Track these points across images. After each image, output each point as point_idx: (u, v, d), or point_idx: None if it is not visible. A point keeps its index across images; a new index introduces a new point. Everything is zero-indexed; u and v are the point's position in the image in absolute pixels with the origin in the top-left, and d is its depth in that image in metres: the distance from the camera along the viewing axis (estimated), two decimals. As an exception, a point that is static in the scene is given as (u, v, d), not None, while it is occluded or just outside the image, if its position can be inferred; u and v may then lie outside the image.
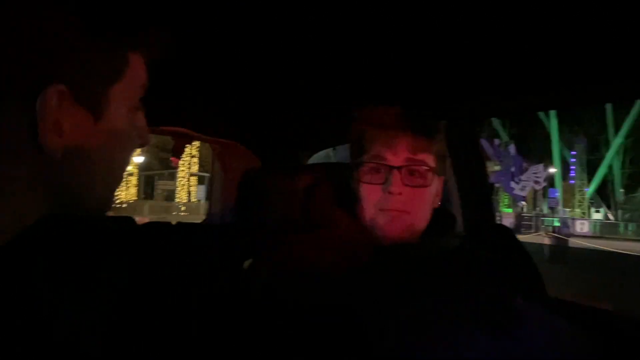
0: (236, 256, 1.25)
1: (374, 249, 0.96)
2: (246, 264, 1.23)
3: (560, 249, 11.04)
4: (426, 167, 0.97)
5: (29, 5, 0.45)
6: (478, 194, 1.64)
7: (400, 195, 0.95)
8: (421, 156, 0.97)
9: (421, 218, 0.99)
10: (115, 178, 0.57)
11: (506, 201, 27.00)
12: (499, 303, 0.93)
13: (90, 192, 0.53)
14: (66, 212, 0.50)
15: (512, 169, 19.46)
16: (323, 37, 1.07)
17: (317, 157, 2.43)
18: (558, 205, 27.21)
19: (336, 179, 1.20)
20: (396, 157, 0.96)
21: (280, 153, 2.18)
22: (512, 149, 20.91)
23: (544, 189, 26.93)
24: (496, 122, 27.56)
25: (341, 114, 1.51)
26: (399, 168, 0.95)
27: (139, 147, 0.61)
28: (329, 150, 2.58)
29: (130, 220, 0.57)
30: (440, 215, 1.06)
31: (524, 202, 26.95)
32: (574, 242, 15.76)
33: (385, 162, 0.97)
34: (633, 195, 31.28)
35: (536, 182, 20.24)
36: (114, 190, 0.57)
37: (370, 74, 1.32)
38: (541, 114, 26.58)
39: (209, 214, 2.30)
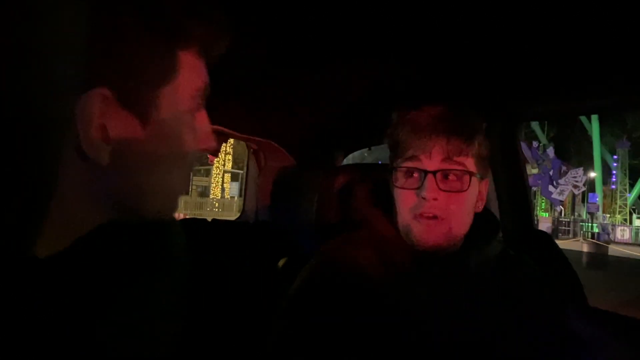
0: (270, 254, 1.30)
1: (412, 255, 0.94)
2: (281, 262, 1.28)
3: (599, 256, 10.76)
4: (464, 171, 0.94)
5: (66, 6, 0.42)
6: (517, 199, 1.61)
7: (435, 201, 0.91)
8: (458, 159, 0.93)
9: (460, 224, 0.95)
10: (175, 184, 0.54)
11: (543, 205, 26.49)
12: (550, 314, 0.93)
13: (147, 199, 0.51)
14: (124, 218, 0.48)
15: (551, 173, 19.08)
16: (363, 36, 1.06)
17: (352, 158, 2.44)
18: (598, 210, 26.50)
19: (371, 180, 1.18)
20: (431, 161, 0.93)
21: (315, 152, 2.18)
22: (550, 151, 20.49)
23: (583, 193, 26.27)
24: (534, 124, 27.01)
25: (377, 114, 1.50)
26: (434, 172, 0.92)
27: (202, 152, 0.58)
28: (364, 151, 2.53)
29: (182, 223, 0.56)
30: (483, 220, 1.02)
31: (562, 206, 26.42)
32: (613, 249, 15.37)
33: (420, 166, 0.94)
34: None
35: (575, 187, 19.78)
36: (175, 197, 0.55)
37: (410, 73, 1.30)
38: (582, 117, 25.95)
39: (243, 211, 2.33)
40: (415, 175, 0.94)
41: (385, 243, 0.99)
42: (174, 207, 0.55)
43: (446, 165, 0.92)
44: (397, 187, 0.97)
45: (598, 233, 23.67)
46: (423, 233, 0.93)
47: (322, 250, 1.03)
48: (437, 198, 0.91)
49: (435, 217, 0.92)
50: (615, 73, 1.10)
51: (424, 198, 0.91)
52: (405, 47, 1.12)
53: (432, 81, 1.35)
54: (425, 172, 0.92)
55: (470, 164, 0.94)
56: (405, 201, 0.95)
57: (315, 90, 1.53)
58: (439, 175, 0.92)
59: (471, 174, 0.94)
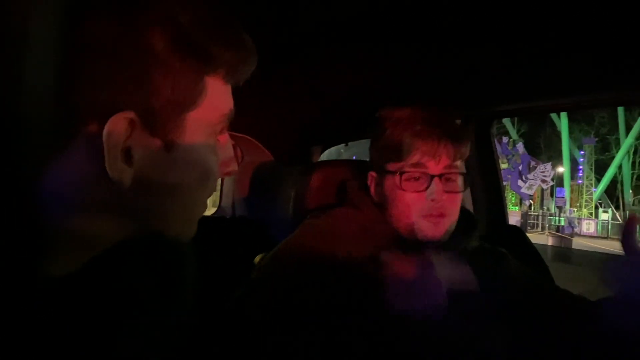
0: (247, 250, 1.29)
1: (398, 239, 1.00)
2: (257, 258, 1.27)
3: (563, 249, 11.03)
4: (460, 173, 1.01)
5: (94, 28, 0.43)
6: (491, 195, 1.66)
7: (441, 202, 0.98)
8: (457, 163, 1.00)
9: (455, 219, 1.02)
10: (195, 208, 0.54)
11: (513, 199, 26.89)
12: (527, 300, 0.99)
13: (167, 222, 0.51)
14: (142, 240, 0.48)
15: (520, 168, 19.41)
16: (346, 31, 1.07)
17: (329, 153, 2.45)
18: (565, 204, 27.06)
19: (350, 176, 1.22)
20: (437, 165, 0.98)
21: (293, 148, 2.21)
22: (520, 147, 20.85)
23: (552, 188, 26.82)
24: (506, 120, 27.40)
25: (355, 110, 1.57)
26: (439, 176, 0.98)
27: (224, 176, 0.58)
28: (341, 147, 2.55)
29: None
30: (461, 216, 1.08)
31: (531, 201, 26.88)
32: (578, 242, 15.74)
33: (426, 171, 0.98)
34: None
35: (543, 181, 20.17)
36: (195, 220, 0.55)
37: (388, 71, 1.34)
38: (552, 114, 26.42)
39: (219, 206, 2.33)
40: (421, 178, 0.99)
41: (370, 223, 1.03)
42: (193, 231, 0.55)
43: (449, 169, 0.99)
44: (402, 189, 1.00)
45: (563, 226, 24.25)
46: (430, 230, 0.98)
47: (306, 223, 1.07)
48: (442, 199, 0.98)
49: (443, 216, 0.99)
50: (583, 72, 1.16)
51: (432, 200, 0.97)
52: (384, 46, 1.14)
53: (410, 80, 1.38)
54: (432, 176, 0.98)
55: (462, 166, 1.02)
56: (412, 203, 0.99)
57: (293, 86, 1.54)
58: (443, 178, 0.99)
59: (464, 175, 1.02)
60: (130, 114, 0.44)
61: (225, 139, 0.56)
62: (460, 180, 1.01)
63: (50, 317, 0.40)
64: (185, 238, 0.54)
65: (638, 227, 0.83)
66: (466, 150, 1.02)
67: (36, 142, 0.42)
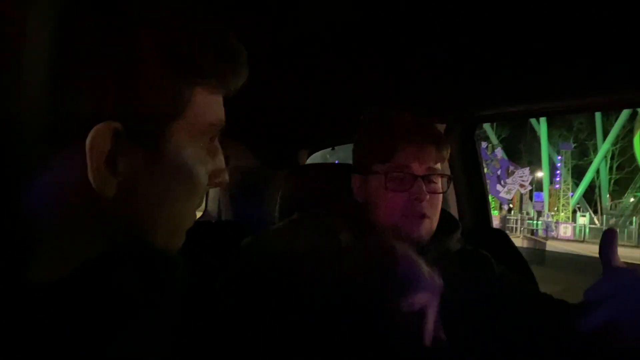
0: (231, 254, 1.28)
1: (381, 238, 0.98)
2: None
3: (537, 251, 11.22)
4: (442, 174, 1.06)
5: (80, 37, 0.42)
6: (476, 199, 1.67)
7: (424, 202, 1.00)
8: (438, 165, 1.04)
9: (436, 221, 1.05)
10: (183, 219, 0.53)
11: (493, 203, 27.14)
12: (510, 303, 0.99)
13: (153, 233, 0.49)
14: (127, 251, 0.47)
15: (499, 172, 19.66)
16: (330, 37, 1.08)
17: (314, 157, 2.50)
18: (543, 208, 27.38)
19: (336, 179, 1.24)
20: (421, 167, 1.02)
21: (279, 151, 2.25)
22: (498, 152, 21.11)
23: (531, 192, 27.04)
24: (486, 125, 27.70)
25: (342, 114, 1.59)
26: (423, 177, 1.02)
27: (214, 187, 0.58)
28: (327, 151, 2.62)
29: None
30: (443, 219, 1.10)
31: (511, 205, 27.17)
32: (553, 245, 16.00)
33: (411, 172, 1.02)
34: (619, 200, 31.11)
35: (522, 186, 20.43)
36: (182, 231, 0.54)
37: (376, 77, 1.35)
38: (532, 119, 26.73)
39: (205, 210, 2.37)
40: (405, 179, 1.02)
41: (354, 222, 1.04)
42: (180, 242, 0.54)
43: (431, 171, 1.04)
44: (387, 190, 1.03)
45: (537, 230, 24.53)
46: (413, 230, 1.01)
47: (296, 215, 1.08)
48: (425, 199, 1.01)
49: (424, 216, 1.02)
50: (563, 78, 1.18)
51: (416, 200, 1.01)
52: (369, 52, 1.15)
53: (395, 86, 1.40)
54: (416, 177, 1.02)
55: (444, 168, 1.07)
56: (396, 203, 1.02)
57: (280, 90, 1.53)
58: (426, 179, 1.03)
59: (445, 176, 1.08)
60: (115, 124, 0.42)
61: (215, 150, 0.55)
62: (442, 182, 1.06)
63: (31, 327, 0.40)
64: (172, 249, 0.53)
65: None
66: (447, 153, 1.07)
67: (19, 149, 0.41)
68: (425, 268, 0.81)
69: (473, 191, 1.67)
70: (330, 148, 2.46)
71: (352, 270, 0.83)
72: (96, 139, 0.42)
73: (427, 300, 0.77)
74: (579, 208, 30.39)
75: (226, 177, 0.57)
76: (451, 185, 1.57)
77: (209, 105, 0.51)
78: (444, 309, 0.81)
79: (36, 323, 0.40)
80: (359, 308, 0.84)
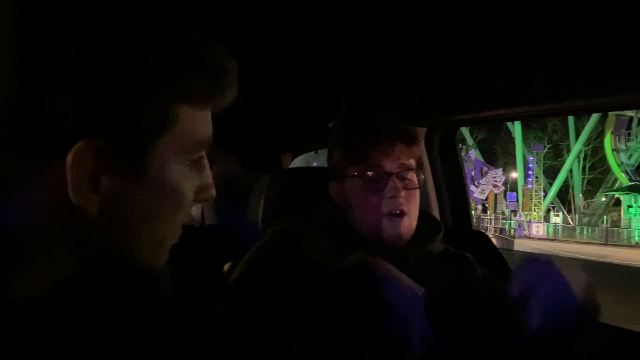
0: (216, 259, 1.32)
1: (365, 245, 1.00)
2: (226, 267, 1.28)
3: (506, 250, 11.39)
4: (415, 170, 1.06)
5: (62, 52, 0.40)
6: (457, 200, 1.67)
7: (400, 199, 1.01)
8: (410, 161, 1.05)
9: (415, 218, 1.05)
10: (168, 236, 0.51)
11: (470, 204, 27.22)
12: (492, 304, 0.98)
13: (136, 250, 0.48)
14: (109, 269, 0.47)
15: (472, 173, 19.88)
16: (311, 42, 1.07)
17: (297, 161, 2.53)
18: (516, 208, 27.68)
19: (319, 184, 1.22)
20: (393, 164, 1.02)
21: (263, 155, 2.26)
22: (472, 153, 21.39)
23: (505, 192, 27.29)
24: (463, 128, 27.98)
25: (325, 117, 1.53)
26: (396, 174, 1.02)
27: (200, 203, 0.57)
28: (309, 155, 2.60)
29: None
30: (424, 220, 1.11)
31: (487, 205, 27.52)
32: (523, 243, 16.28)
33: (383, 170, 1.02)
34: (592, 200, 31.65)
35: (495, 186, 20.69)
36: (166, 248, 0.52)
37: (357, 82, 1.35)
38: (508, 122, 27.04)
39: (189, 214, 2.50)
40: (379, 178, 1.03)
41: (338, 229, 1.06)
42: (164, 259, 0.53)
43: (404, 167, 1.04)
44: (362, 190, 1.04)
45: (504, 228, 24.91)
46: (393, 229, 1.01)
47: (275, 228, 1.08)
48: (401, 195, 1.01)
49: (402, 214, 1.01)
50: (538, 83, 1.19)
51: (391, 197, 1.01)
52: (351, 57, 1.14)
53: (377, 91, 1.42)
54: (389, 174, 1.02)
55: (417, 165, 1.08)
56: (372, 202, 1.02)
57: (262, 93, 1.51)
58: (399, 175, 1.03)
59: (419, 173, 1.08)
60: (98, 142, 0.41)
61: (202, 166, 0.53)
62: (416, 178, 1.06)
63: (7, 344, 0.39)
64: (156, 265, 0.52)
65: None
66: (418, 149, 1.08)
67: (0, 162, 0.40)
68: (406, 283, 0.83)
69: (454, 193, 1.67)
70: (314, 151, 2.43)
71: (332, 296, 0.85)
72: (77, 156, 0.41)
73: (410, 315, 0.79)
74: (553, 207, 30.83)
75: (213, 192, 0.56)
76: (432, 186, 1.63)
77: (196, 122, 0.49)
78: (429, 313, 0.82)
79: (13, 340, 0.40)
80: (342, 330, 0.84)
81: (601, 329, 1.15)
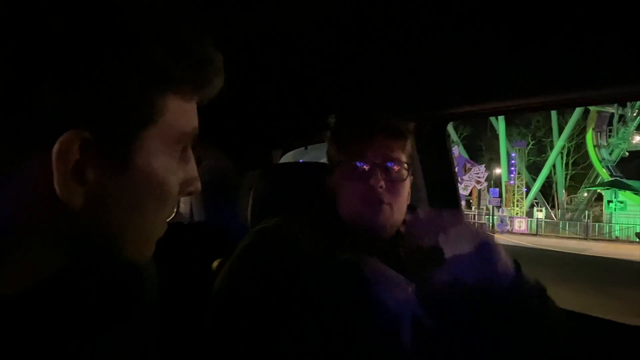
0: (204, 255, 1.32)
1: (352, 237, 1.04)
2: (215, 263, 1.29)
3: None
4: (402, 163, 1.07)
5: (47, 44, 0.40)
6: (446, 195, 1.68)
7: (382, 189, 1.02)
8: (396, 154, 1.06)
9: (399, 210, 1.07)
10: (153, 229, 0.51)
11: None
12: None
13: (122, 244, 0.48)
14: (94, 262, 0.46)
15: (456, 169, 20.00)
16: (301, 38, 1.09)
17: (287, 157, 2.52)
18: (499, 204, 27.83)
19: (308, 179, 1.25)
20: (376, 155, 1.05)
21: (252, 151, 2.24)
22: (455, 150, 21.50)
23: (488, 188, 27.38)
24: (449, 124, 27.99)
25: (314, 114, 1.59)
26: (380, 164, 1.04)
27: (185, 196, 0.56)
28: (298, 150, 2.56)
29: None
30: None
31: (472, 200, 27.72)
32: (501, 238, 16.39)
33: (367, 160, 1.05)
34: (574, 195, 31.86)
35: (478, 182, 20.83)
36: (152, 241, 0.52)
37: (347, 77, 1.38)
38: (491, 117, 27.21)
39: (177, 211, 2.38)
40: (363, 168, 1.05)
41: (326, 225, 1.08)
42: (150, 252, 0.52)
43: (388, 158, 1.06)
44: (346, 180, 1.07)
45: (486, 224, 25.01)
46: (373, 217, 1.04)
47: (262, 226, 1.09)
48: (384, 186, 1.03)
49: (382, 202, 1.03)
50: (523, 79, 1.21)
51: (372, 186, 1.02)
52: (341, 53, 1.17)
53: (367, 87, 1.44)
54: (373, 164, 1.04)
55: (403, 158, 1.09)
56: (356, 191, 1.05)
57: (252, 89, 1.52)
58: (384, 166, 1.05)
59: (406, 166, 1.09)
60: (84, 133, 0.40)
61: (187, 158, 0.52)
62: (403, 171, 1.08)
63: None
64: (141, 260, 0.52)
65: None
66: (405, 143, 1.10)
67: None
68: (395, 280, 0.84)
69: (444, 188, 1.68)
70: (303, 147, 2.38)
71: (320, 296, 0.86)
72: (63, 147, 0.40)
73: (400, 312, 0.80)
74: (537, 203, 31.04)
75: (198, 186, 0.55)
76: (421, 181, 1.63)
77: (182, 113, 0.48)
78: (420, 307, 0.83)
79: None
80: (331, 328, 0.85)
81: (572, 318, 1.21)
